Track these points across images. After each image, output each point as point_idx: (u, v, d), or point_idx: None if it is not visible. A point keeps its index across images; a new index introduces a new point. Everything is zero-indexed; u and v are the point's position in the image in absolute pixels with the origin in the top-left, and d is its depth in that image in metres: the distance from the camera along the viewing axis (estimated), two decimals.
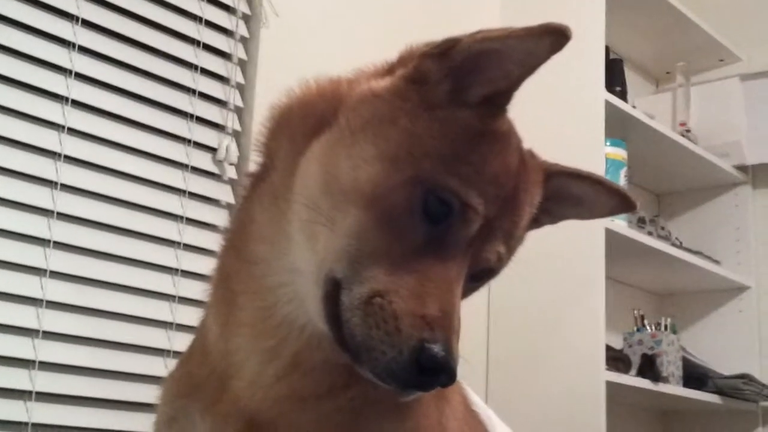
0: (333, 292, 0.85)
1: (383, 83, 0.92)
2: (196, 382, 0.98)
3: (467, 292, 0.91)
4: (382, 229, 0.84)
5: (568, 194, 1.03)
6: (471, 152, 0.87)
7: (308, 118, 0.93)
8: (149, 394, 1.06)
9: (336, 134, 0.90)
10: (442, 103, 0.89)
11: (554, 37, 0.84)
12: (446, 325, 0.81)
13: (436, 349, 0.79)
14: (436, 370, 0.80)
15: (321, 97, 0.95)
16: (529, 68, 0.88)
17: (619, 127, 2.91)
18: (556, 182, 1.00)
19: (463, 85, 0.89)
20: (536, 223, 1.02)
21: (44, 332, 1.83)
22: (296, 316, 0.93)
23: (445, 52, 0.89)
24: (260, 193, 0.97)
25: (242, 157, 2.24)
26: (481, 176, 0.87)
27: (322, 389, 0.93)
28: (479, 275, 0.92)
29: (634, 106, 3.07)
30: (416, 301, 0.82)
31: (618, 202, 1.05)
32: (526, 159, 0.95)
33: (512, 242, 0.93)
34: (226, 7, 2.27)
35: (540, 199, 0.98)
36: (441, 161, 0.86)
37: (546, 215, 1.03)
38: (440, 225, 0.85)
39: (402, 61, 0.94)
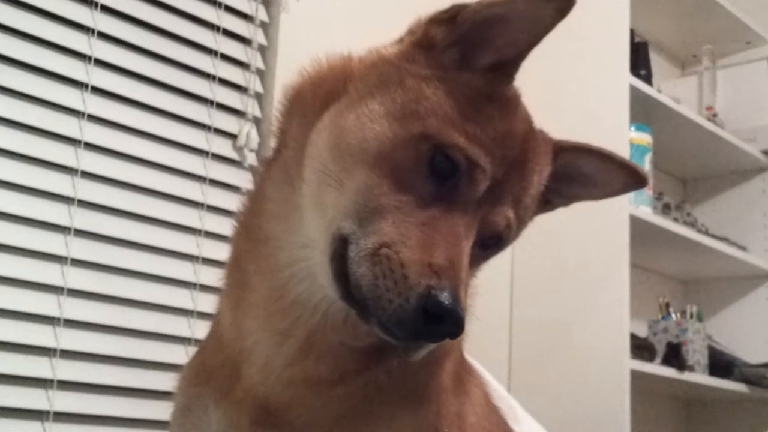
0: (341, 249, 0.84)
1: (392, 49, 0.93)
2: (210, 370, 0.98)
3: (478, 260, 0.91)
4: (389, 185, 0.84)
5: (577, 172, 1.02)
6: (477, 113, 0.87)
7: (319, 94, 0.94)
8: (170, 382, 1.06)
9: (345, 102, 0.90)
10: (450, 67, 0.90)
11: (558, 1, 0.85)
12: (453, 275, 0.80)
13: (443, 296, 0.78)
14: (442, 317, 0.78)
15: (331, 72, 0.96)
16: (535, 36, 0.89)
17: (644, 111, 2.87)
18: (564, 158, 0.99)
19: (471, 52, 0.90)
20: (548, 205, 1.01)
21: (65, 320, 1.83)
22: (309, 296, 0.92)
23: (452, 17, 0.90)
24: (273, 173, 0.97)
25: (263, 144, 2.22)
26: (488, 136, 0.86)
27: (335, 375, 0.92)
28: (488, 242, 0.91)
29: (659, 91, 3.03)
30: (423, 251, 0.81)
31: (628, 176, 1.03)
32: (535, 131, 0.95)
33: (521, 210, 0.91)
34: None
35: (549, 171, 0.97)
36: (448, 120, 0.86)
37: (557, 196, 1.02)
38: (447, 183, 0.85)
39: (411, 31, 0.95)
